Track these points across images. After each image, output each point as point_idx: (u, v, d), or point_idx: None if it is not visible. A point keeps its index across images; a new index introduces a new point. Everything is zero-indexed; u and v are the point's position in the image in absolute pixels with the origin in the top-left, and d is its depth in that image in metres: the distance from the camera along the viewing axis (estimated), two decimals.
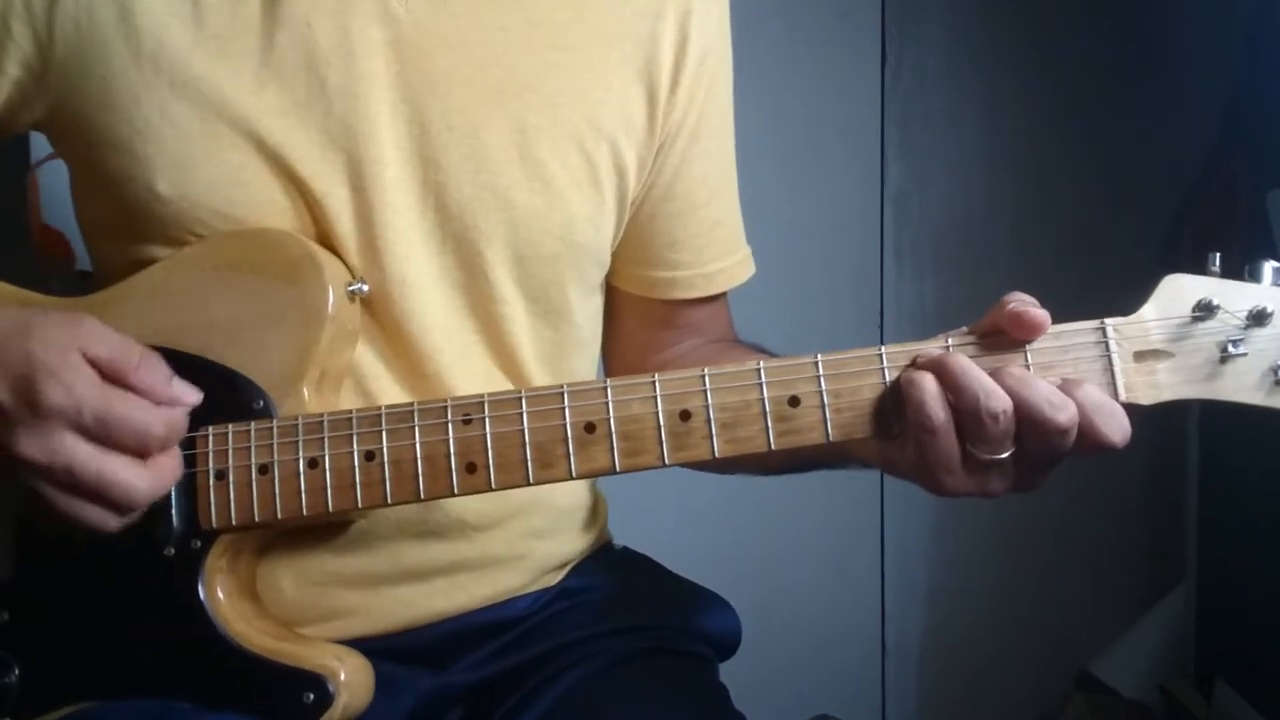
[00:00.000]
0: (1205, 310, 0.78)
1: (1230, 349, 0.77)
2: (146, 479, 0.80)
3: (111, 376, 0.80)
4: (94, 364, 0.79)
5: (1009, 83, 2.40)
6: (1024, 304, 0.78)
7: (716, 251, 1.07)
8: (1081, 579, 2.44)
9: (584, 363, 1.06)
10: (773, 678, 2.18)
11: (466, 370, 0.96)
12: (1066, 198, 2.39)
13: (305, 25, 0.91)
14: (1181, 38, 2.29)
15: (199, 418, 0.86)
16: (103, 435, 0.78)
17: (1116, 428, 0.76)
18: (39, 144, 1.55)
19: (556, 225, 0.96)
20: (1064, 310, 0.80)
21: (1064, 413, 0.75)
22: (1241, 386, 0.78)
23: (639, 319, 1.09)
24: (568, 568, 1.06)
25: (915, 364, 0.79)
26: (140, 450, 0.80)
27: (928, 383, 0.77)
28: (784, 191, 2.27)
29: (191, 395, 0.83)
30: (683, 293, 1.07)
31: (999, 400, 0.76)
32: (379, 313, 0.94)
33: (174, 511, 0.86)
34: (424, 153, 0.92)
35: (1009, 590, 2.44)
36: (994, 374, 0.77)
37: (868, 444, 0.84)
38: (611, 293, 1.09)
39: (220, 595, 0.87)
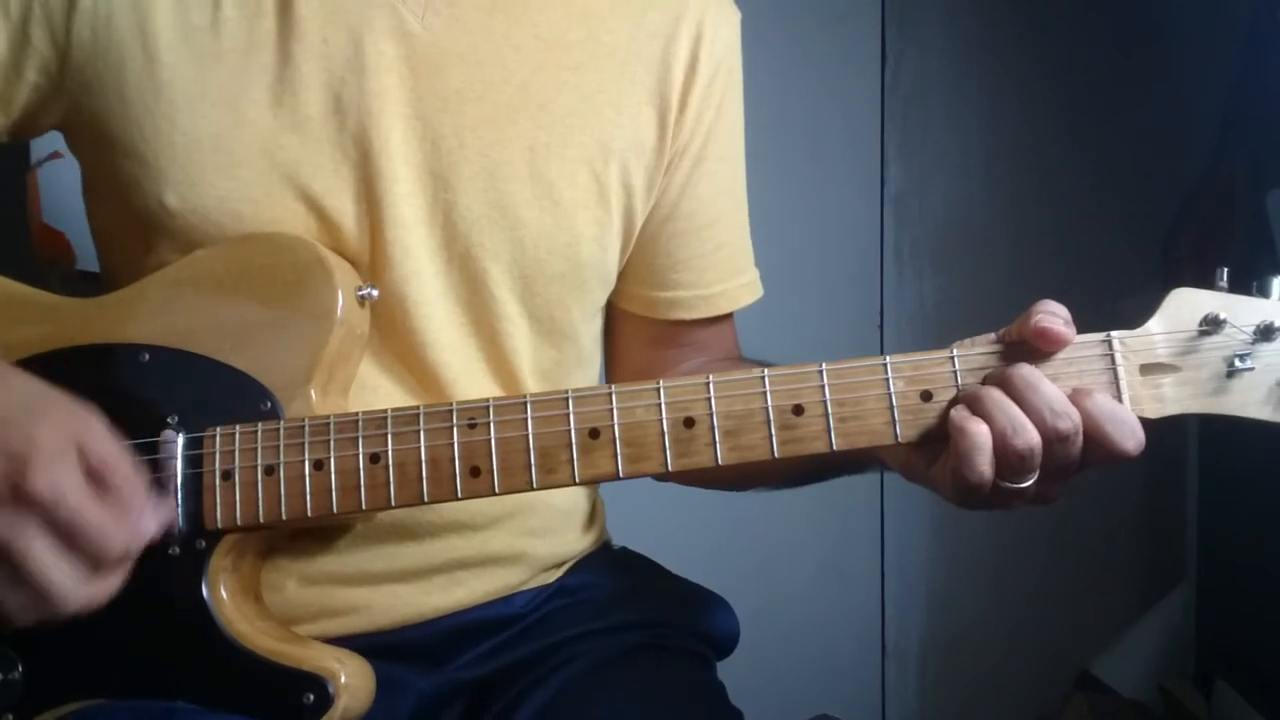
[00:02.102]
0: (1212, 325, 0.78)
1: (1237, 364, 0.77)
2: (84, 593, 0.78)
3: (93, 480, 0.79)
4: (84, 463, 0.78)
5: (1009, 83, 2.41)
6: (1050, 317, 0.78)
7: (720, 273, 1.07)
8: (1081, 579, 2.44)
9: (584, 382, 1.06)
10: (773, 678, 2.19)
11: (471, 386, 0.96)
12: (1066, 198, 2.39)
13: (321, 41, 0.91)
14: (1181, 38, 2.29)
15: (207, 418, 0.87)
16: (66, 537, 0.77)
17: (1129, 435, 0.76)
18: (39, 144, 1.55)
19: (563, 245, 0.96)
20: None
21: (1065, 420, 0.76)
22: (1249, 402, 0.78)
23: (642, 339, 1.09)
24: (566, 566, 1.07)
25: (958, 399, 0.79)
26: (94, 562, 0.78)
27: (981, 437, 0.77)
28: (784, 192, 2.27)
29: (154, 526, 0.81)
30: (684, 313, 1.06)
31: (1030, 436, 0.76)
32: (385, 327, 0.94)
33: (180, 511, 0.86)
34: (435, 169, 0.93)
35: (1009, 590, 2.44)
36: (1001, 379, 0.78)
37: (891, 450, 0.84)
38: (614, 312, 1.09)
39: (224, 595, 0.87)
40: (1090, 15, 2.37)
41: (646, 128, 0.99)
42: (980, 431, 0.76)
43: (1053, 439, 0.76)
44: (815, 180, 2.37)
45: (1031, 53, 2.39)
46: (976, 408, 0.78)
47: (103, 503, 0.78)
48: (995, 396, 0.77)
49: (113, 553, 0.78)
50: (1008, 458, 0.76)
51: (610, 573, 1.08)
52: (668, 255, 1.04)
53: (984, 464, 0.76)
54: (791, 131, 2.32)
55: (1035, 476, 0.77)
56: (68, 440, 0.78)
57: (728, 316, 1.10)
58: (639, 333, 1.09)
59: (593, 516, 1.11)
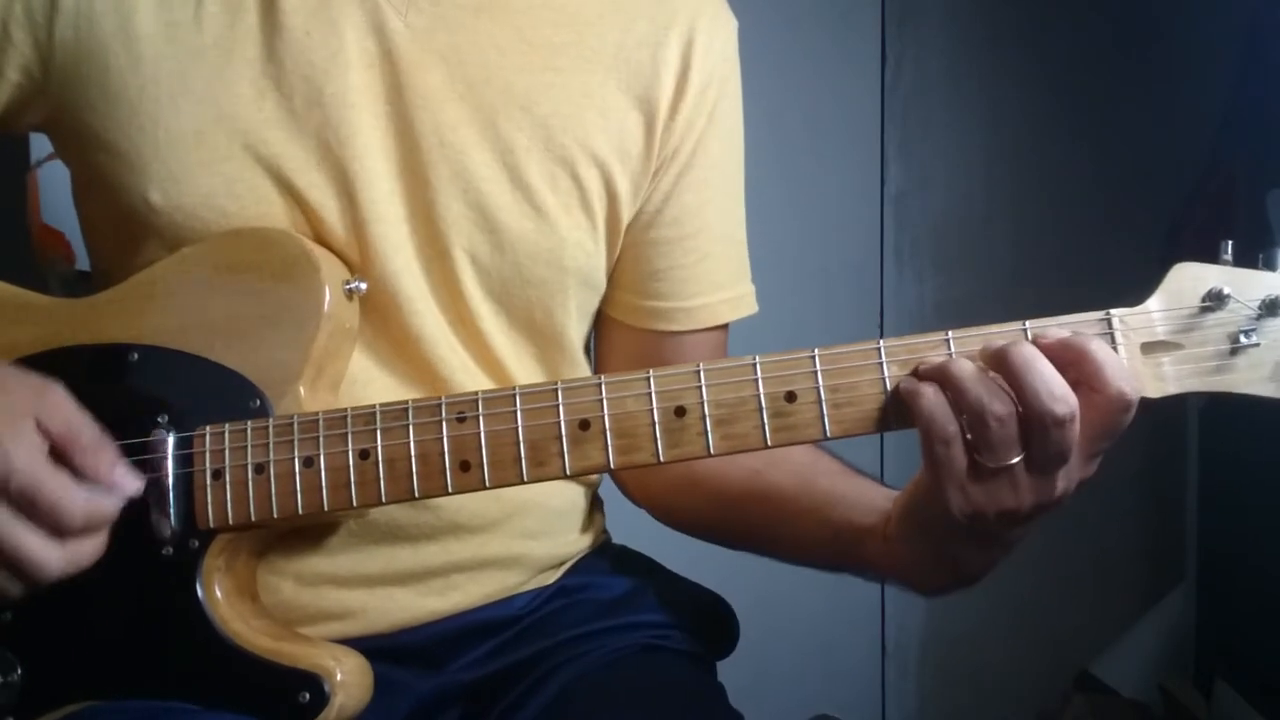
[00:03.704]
0: (1215, 300, 0.75)
1: (1242, 339, 0.75)
2: (58, 559, 0.80)
3: (59, 451, 0.80)
4: (46, 435, 0.80)
5: (1009, 83, 2.41)
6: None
7: (701, 286, 1.05)
8: (1081, 579, 2.44)
9: None
10: (773, 678, 2.18)
11: (467, 382, 0.96)
12: (1067, 198, 2.39)
13: (304, 34, 0.91)
14: (1181, 38, 2.29)
15: (197, 417, 0.87)
16: (25, 508, 0.78)
17: (1124, 378, 0.74)
18: (39, 144, 1.55)
19: (545, 250, 0.95)
20: (1065, 310, 0.78)
21: (1061, 404, 0.73)
22: (1254, 378, 0.75)
23: (628, 349, 1.07)
24: (565, 566, 1.06)
25: (916, 373, 0.78)
26: (56, 531, 0.80)
27: (931, 393, 0.76)
28: (784, 192, 2.27)
29: (130, 485, 0.83)
30: (664, 324, 1.05)
31: (1002, 403, 0.74)
32: (378, 323, 0.94)
33: (172, 512, 0.86)
34: (414, 168, 0.93)
35: (1009, 590, 2.42)
36: (997, 356, 0.76)
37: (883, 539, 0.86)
38: (602, 319, 1.08)
39: (218, 595, 0.87)
40: (1090, 15, 2.37)
41: (633, 133, 0.98)
42: (929, 391, 0.76)
43: (1049, 424, 0.74)
44: (815, 180, 2.37)
45: (1031, 53, 2.39)
46: (949, 383, 0.76)
47: (64, 472, 0.80)
48: (965, 370, 0.75)
49: (74, 521, 0.80)
50: (983, 424, 0.74)
51: (610, 573, 1.08)
52: (649, 263, 1.03)
53: (949, 420, 0.75)
54: (791, 132, 2.32)
55: (1019, 454, 0.75)
56: (21, 415, 0.79)
57: (717, 331, 1.07)
58: (625, 342, 1.07)
59: (591, 516, 1.10)
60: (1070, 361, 0.75)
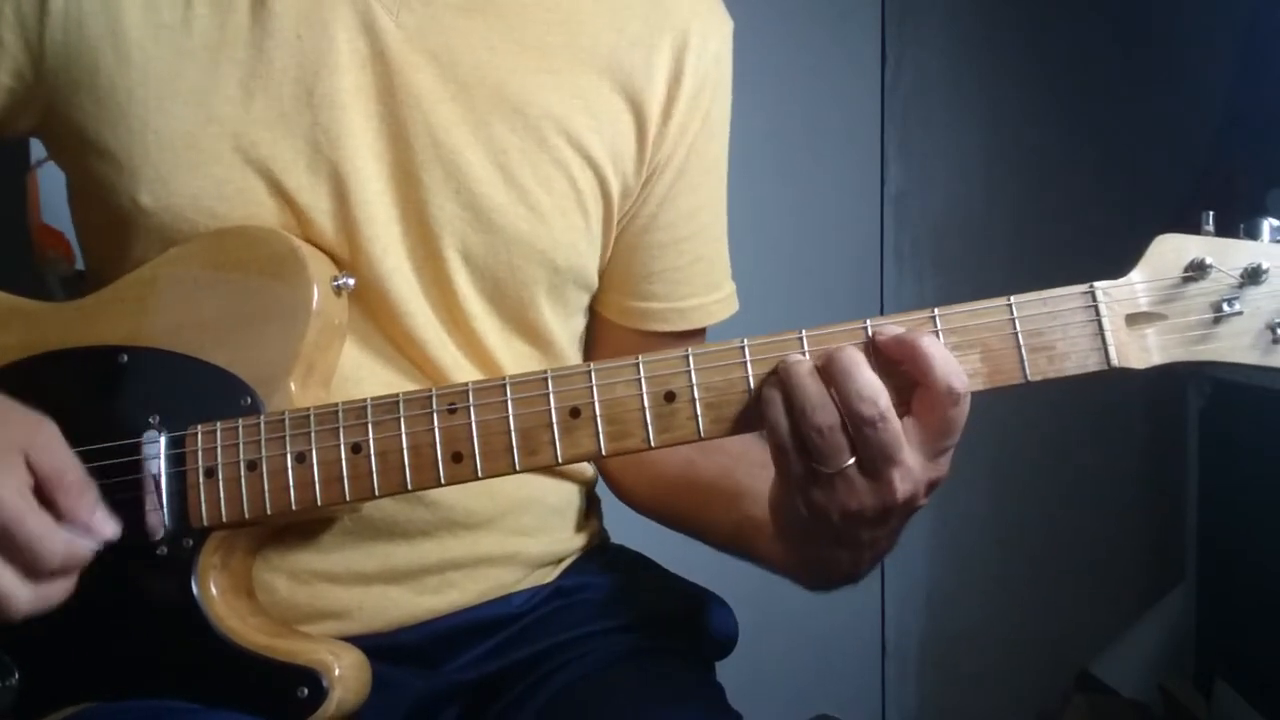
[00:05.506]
0: (1197, 270, 0.75)
1: (1225, 308, 0.75)
2: (28, 597, 0.79)
3: (42, 489, 0.80)
4: (33, 471, 0.80)
5: (1009, 83, 2.41)
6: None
7: (694, 287, 1.06)
8: (1081, 579, 2.44)
9: None
10: (772, 678, 2.18)
11: (460, 377, 0.95)
12: (1067, 198, 2.39)
13: (294, 36, 0.91)
14: (1181, 38, 2.29)
15: (188, 417, 0.87)
16: (2, 543, 0.78)
17: (953, 373, 0.75)
18: (39, 144, 1.55)
19: (539, 251, 0.95)
20: None
21: (868, 405, 0.74)
22: (1236, 347, 0.76)
23: (617, 345, 1.07)
24: (563, 565, 1.06)
25: (774, 373, 0.78)
26: (31, 570, 0.79)
27: (778, 400, 0.77)
28: (784, 191, 2.27)
29: (109, 530, 0.82)
30: (656, 325, 1.05)
31: (826, 415, 0.75)
32: (372, 319, 0.94)
33: (165, 511, 0.86)
34: (406, 168, 0.92)
35: (1009, 590, 2.43)
36: (824, 364, 0.76)
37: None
38: (593, 318, 1.08)
39: (214, 592, 0.87)
40: (1090, 15, 2.37)
41: (625, 135, 0.98)
42: (776, 399, 0.77)
43: (862, 425, 0.74)
44: (815, 180, 2.37)
45: (1031, 53, 2.40)
46: (783, 385, 0.77)
47: (44, 513, 0.79)
48: (800, 374, 0.76)
49: (49, 563, 0.79)
50: (807, 434, 0.75)
51: (608, 573, 1.08)
52: (642, 265, 1.03)
53: (784, 428, 0.76)
54: (791, 131, 2.32)
55: (849, 459, 0.76)
56: (11, 450, 0.79)
57: (701, 331, 1.08)
58: (616, 341, 1.07)
59: (587, 514, 1.10)
60: (904, 357, 0.76)
